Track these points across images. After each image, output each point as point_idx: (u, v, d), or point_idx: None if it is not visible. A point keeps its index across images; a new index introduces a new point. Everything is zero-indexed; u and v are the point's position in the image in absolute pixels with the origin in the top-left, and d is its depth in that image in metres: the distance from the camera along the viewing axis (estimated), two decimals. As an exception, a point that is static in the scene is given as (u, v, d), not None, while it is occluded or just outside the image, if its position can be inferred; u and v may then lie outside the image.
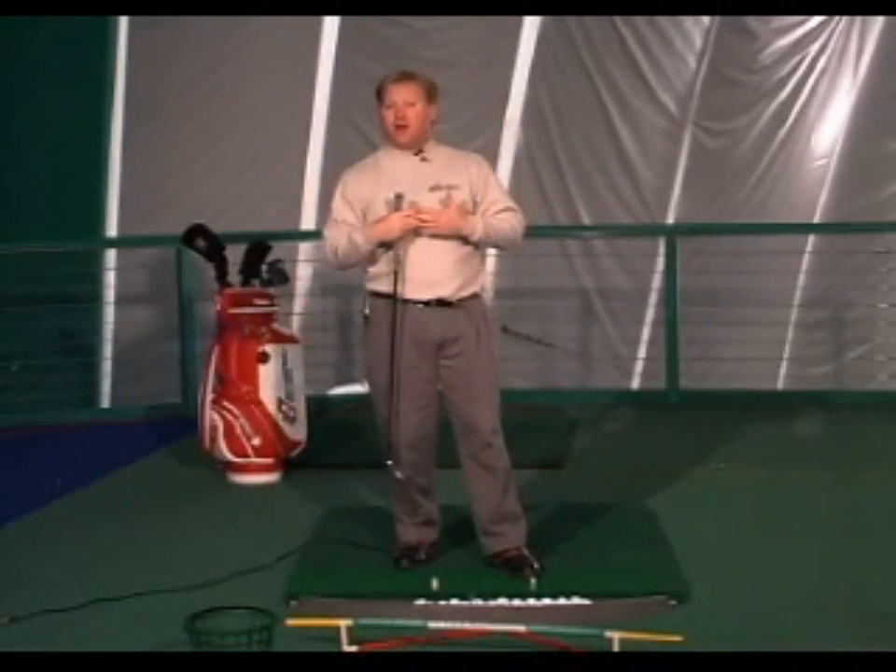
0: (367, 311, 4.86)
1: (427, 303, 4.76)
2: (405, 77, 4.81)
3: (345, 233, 4.78)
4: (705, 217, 8.92)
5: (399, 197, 4.70)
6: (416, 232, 4.70)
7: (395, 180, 4.76)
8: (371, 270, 4.83)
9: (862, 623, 4.34)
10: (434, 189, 4.74)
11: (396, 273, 4.69)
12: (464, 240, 4.76)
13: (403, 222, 4.68)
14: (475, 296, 4.84)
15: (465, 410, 4.83)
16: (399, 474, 4.82)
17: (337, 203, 4.86)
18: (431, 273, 4.73)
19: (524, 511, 4.98)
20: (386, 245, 4.73)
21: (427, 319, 4.76)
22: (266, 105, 8.97)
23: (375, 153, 4.95)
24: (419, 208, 4.68)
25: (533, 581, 4.61)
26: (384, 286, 4.78)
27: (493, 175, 4.93)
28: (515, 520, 4.94)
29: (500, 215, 4.81)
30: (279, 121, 9.05)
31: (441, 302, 4.76)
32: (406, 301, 4.74)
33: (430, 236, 4.71)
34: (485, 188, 4.82)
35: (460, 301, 4.78)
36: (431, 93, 4.81)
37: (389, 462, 4.80)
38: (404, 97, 4.75)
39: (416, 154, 4.81)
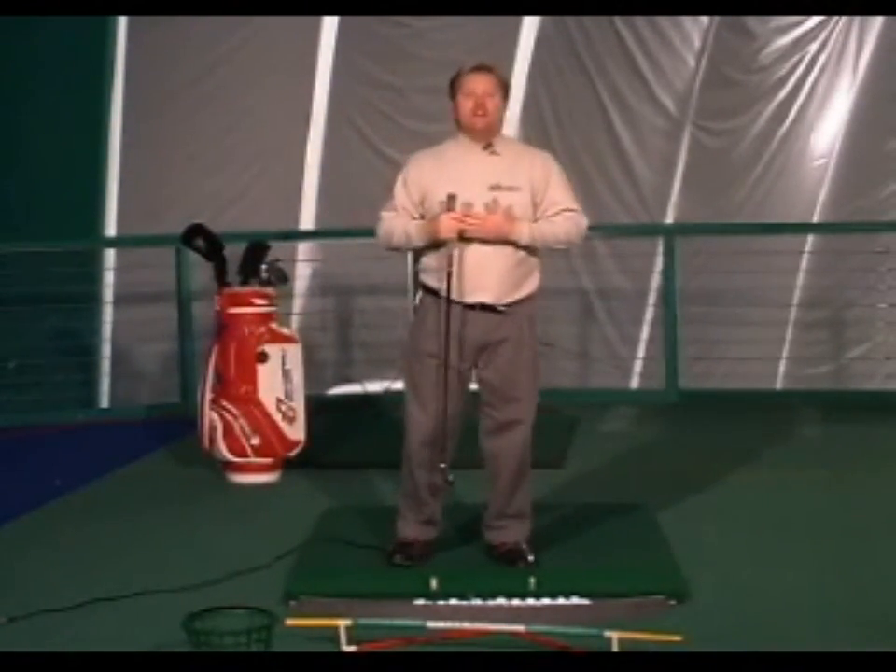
0: (416, 302, 4.87)
1: (471, 306, 4.74)
2: (485, 67, 4.80)
3: (403, 223, 4.78)
4: (704, 216, 8.92)
5: (451, 198, 4.65)
6: (462, 236, 4.64)
7: (458, 171, 4.74)
8: (425, 262, 4.83)
9: (862, 623, 4.33)
10: (494, 188, 4.69)
11: (449, 274, 4.65)
12: (516, 244, 4.73)
13: (449, 224, 4.65)
14: (525, 299, 4.80)
15: (502, 410, 4.84)
16: (450, 478, 4.80)
17: (397, 188, 4.83)
18: (478, 276, 4.70)
19: (532, 513, 5.00)
20: (441, 243, 4.72)
21: (470, 321, 4.74)
22: (265, 104, 8.98)
23: (444, 142, 4.91)
24: (467, 211, 4.64)
25: (532, 580, 4.60)
26: (433, 281, 4.78)
27: (557, 175, 4.82)
28: (521, 517, 4.96)
29: (556, 218, 4.75)
30: (278, 121, 9.06)
31: (486, 307, 4.74)
32: (452, 301, 4.72)
33: (481, 240, 4.67)
34: (546, 188, 4.76)
35: (507, 305, 4.75)
36: (507, 89, 4.82)
37: (443, 465, 4.78)
38: (484, 87, 4.74)
39: (485, 148, 4.78)
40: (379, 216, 4.89)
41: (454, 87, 4.80)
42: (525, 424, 4.86)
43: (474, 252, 4.69)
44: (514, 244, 4.71)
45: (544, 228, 4.74)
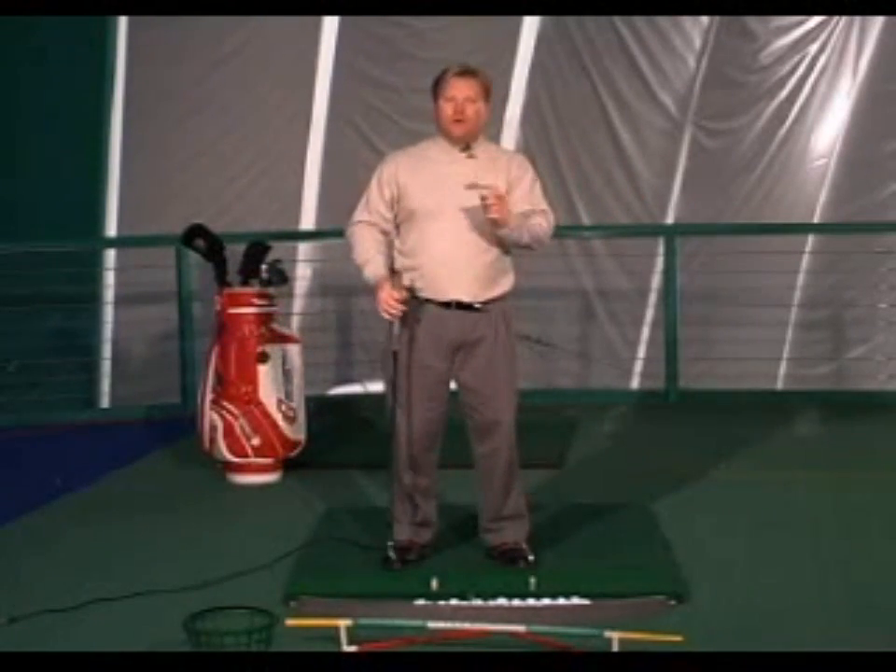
0: None
1: (447, 305, 4.76)
2: (468, 72, 4.79)
3: (363, 251, 4.80)
4: (704, 216, 8.92)
5: (400, 282, 4.70)
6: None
7: (435, 172, 4.77)
8: (398, 263, 4.82)
9: (862, 623, 4.34)
10: (470, 187, 4.70)
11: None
12: (491, 241, 4.74)
13: (385, 305, 4.68)
14: (499, 298, 4.81)
15: (483, 412, 4.85)
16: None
17: (372, 189, 4.85)
18: (452, 274, 4.72)
19: (529, 512, 5.01)
20: (414, 244, 4.76)
21: (446, 320, 4.76)
22: (265, 104, 8.98)
23: (422, 142, 4.92)
24: (494, 190, 4.63)
25: (532, 580, 4.60)
26: (406, 280, 4.78)
27: (531, 176, 4.86)
28: (517, 517, 4.97)
29: (531, 215, 4.77)
30: (279, 121, 9.06)
31: (461, 305, 4.76)
32: (427, 301, 4.76)
33: (453, 238, 4.69)
34: (518, 186, 4.79)
35: (483, 303, 4.77)
36: (488, 92, 4.81)
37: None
38: (465, 92, 4.74)
39: (463, 150, 4.80)
40: (352, 217, 4.91)
41: (436, 89, 4.81)
42: (506, 423, 4.86)
43: (447, 250, 4.71)
44: (490, 241, 4.72)
45: (524, 223, 4.73)
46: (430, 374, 4.81)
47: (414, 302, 4.77)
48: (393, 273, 4.77)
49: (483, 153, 4.83)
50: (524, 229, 4.74)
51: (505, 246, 4.81)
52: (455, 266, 4.72)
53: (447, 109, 4.75)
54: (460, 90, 4.75)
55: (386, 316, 4.72)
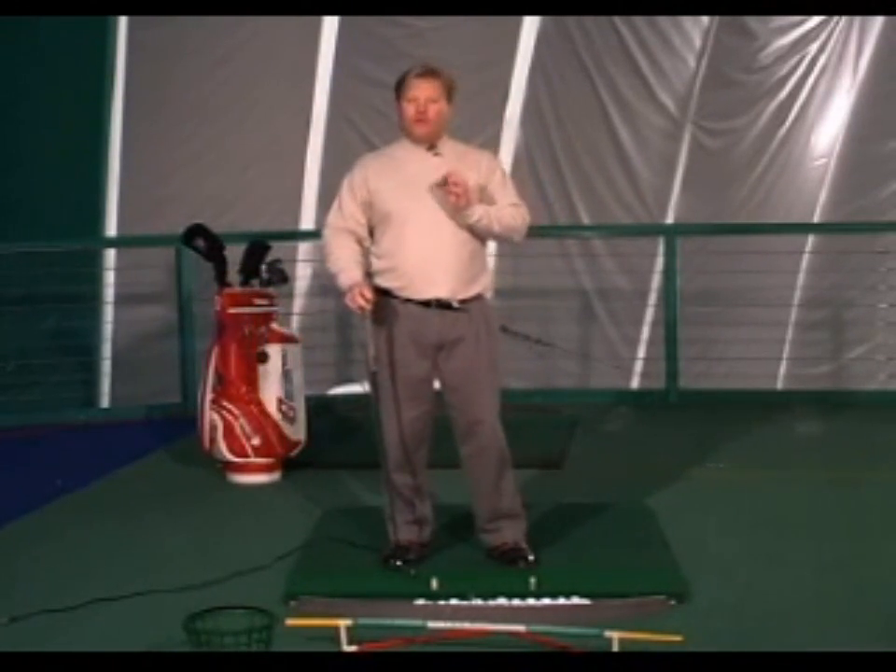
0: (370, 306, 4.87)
1: (426, 304, 4.76)
2: (429, 72, 4.82)
3: (336, 259, 4.82)
4: (704, 216, 8.92)
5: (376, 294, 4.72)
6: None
7: (403, 172, 4.80)
8: (375, 264, 4.84)
9: (862, 622, 4.34)
10: (440, 185, 4.72)
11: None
12: (467, 238, 4.76)
13: (353, 305, 4.71)
14: (478, 297, 4.84)
15: (465, 411, 4.85)
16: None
17: (344, 194, 4.89)
18: (431, 271, 4.74)
19: (524, 511, 5.00)
20: (388, 247, 4.77)
21: (426, 320, 4.77)
22: (265, 104, 8.98)
23: (390, 145, 4.98)
24: (457, 178, 4.64)
25: (532, 580, 4.60)
26: (385, 282, 4.80)
27: (501, 172, 4.91)
28: (514, 517, 4.97)
29: (503, 210, 4.80)
30: (279, 121, 9.05)
31: (441, 304, 4.76)
32: (406, 301, 4.76)
33: (432, 234, 4.71)
34: (490, 182, 4.81)
35: (462, 302, 4.78)
36: (451, 92, 4.83)
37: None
38: (427, 93, 4.78)
39: (429, 149, 4.82)
40: (326, 221, 4.93)
41: (398, 90, 4.85)
42: (489, 423, 4.85)
43: (422, 248, 4.72)
44: (466, 236, 4.74)
45: (492, 211, 4.76)
46: (413, 374, 4.81)
47: (395, 304, 4.77)
48: (368, 275, 4.79)
49: (448, 151, 4.85)
50: (492, 217, 4.77)
51: (481, 242, 4.84)
52: (433, 264, 4.74)
53: (409, 110, 4.80)
54: (422, 90, 4.78)
55: (355, 309, 4.71)
